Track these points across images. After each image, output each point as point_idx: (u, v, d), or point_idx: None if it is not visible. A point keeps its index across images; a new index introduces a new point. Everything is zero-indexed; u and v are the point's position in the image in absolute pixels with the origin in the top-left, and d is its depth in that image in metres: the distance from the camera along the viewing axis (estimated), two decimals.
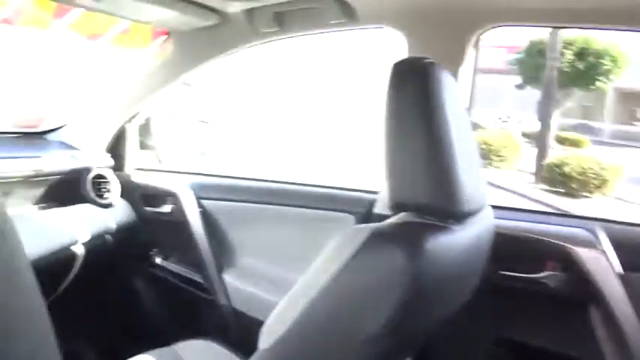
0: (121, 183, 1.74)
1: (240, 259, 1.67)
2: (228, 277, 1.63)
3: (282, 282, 1.52)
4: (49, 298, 1.66)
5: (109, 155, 1.78)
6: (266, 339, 0.93)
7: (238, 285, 1.61)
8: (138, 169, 1.85)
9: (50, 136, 1.78)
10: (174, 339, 1.44)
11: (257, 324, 1.51)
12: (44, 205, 1.57)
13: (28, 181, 1.51)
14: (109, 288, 1.83)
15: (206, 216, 1.68)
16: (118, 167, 1.79)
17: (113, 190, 1.72)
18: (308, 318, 0.88)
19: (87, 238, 1.54)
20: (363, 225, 0.86)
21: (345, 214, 1.53)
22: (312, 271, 0.92)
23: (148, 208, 1.76)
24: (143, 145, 1.88)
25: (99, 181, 1.70)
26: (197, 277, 1.70)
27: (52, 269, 1.51)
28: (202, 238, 1.66)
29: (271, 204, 1.63)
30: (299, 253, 1.53)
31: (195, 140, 2.07)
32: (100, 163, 1.73)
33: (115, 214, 1.69)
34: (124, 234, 1.72)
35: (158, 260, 1.79)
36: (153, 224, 1.77)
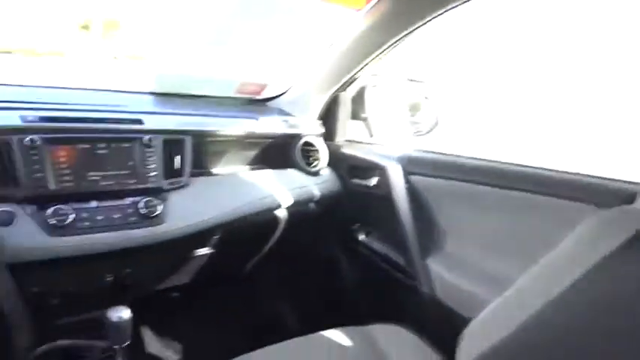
0: (329, 152, 1.69)
1: (449, 244, 1.45)
2: (433, 263, 1.43)
3: (495, 278, 1.26)
4: (255, 256, 1.70)
5: (320, 124, 1.73)
6: (468, 349, 0.70)
7: (443, 273, 1.39)
8: (348, 140, 1.77)
9: (270, 104, 1.82)
10: (367, 319, 1.32)
11: (460, 319, 1.28)
12: (255, 166, 1.59)
13: (243, 142, 1.54)
14: (309, 256, 1.81)
15: (413, 193, 1.50)
16: (328, 136, 1.74)
17: (321, 159, 1.67)
18: (536, 330, 0.63)
19: (290, 203, 1.51)
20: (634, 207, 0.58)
21: (589, 206, 1.18)
22: (542, 269, 0.67)
23: (355, 180, 1.66)
24: (355, 116, 1.79)
25: (308, 149, 1.67)
26: (399, 259, 1.53)
27: (257, 229, 1.52)
28: (407, 217, 1.48)
29: (490, 185, 1.36)
30: (520, 247, 1.25)
31: (413, 115, 1.89)
32: (312, 130, 1.69)
33: (321, 183, 1.64)
34: (328, 204, 1.65)
35: (360, 236, 1.68)
36: (358, 197, 1.67)
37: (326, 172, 1.68)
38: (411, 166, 1.53)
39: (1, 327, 1.17)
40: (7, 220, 1.03)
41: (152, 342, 1.68)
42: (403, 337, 1.28)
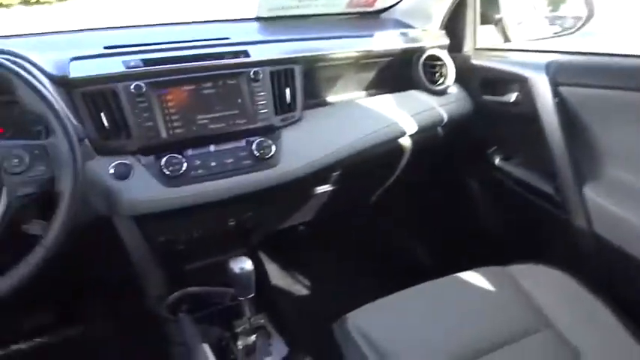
0: (457, 66, 1.46)
1: (611, 169, 1.19)
2: (591, 192, 1.19)
3: None
4: (379, 189, 1.59)
5: (444, 33, 1.49)
6: None
7: (604, 204, 1.16)
8: (478, 48, 1.51)
9: (385, 15, 1.61)
10: (509, 257, 1.16)
11: (625, 258, 1.08)
12: (372, 91, 1.43)
13: (357, 64, 1.38)
14: (438, 186, 1.65)
15: (565, 108, 1.23)
16: (454, 47, 1.50)
17: (448, 75, 1.45)
18: None
19: (415, 129, 1.34)
20: None
21: None
22: None
23: (488, 97, 1.43)
24: (486, 19, 1.52)
25: (432, 64, 1.46)
26: (547, 188, 1.31)
27: (379, 161, 1.40)
28: (557, 138, 1.24)
29: None
30: None
31: (556, 9, 1.57)
32: (435, 42, 1.47)
33: (449, 103, 1.44)
34: (458, 127, 1.46)
35: (497, 161, 1.48)
36: (493, 116, 1.44)
37: (454, 90, 1.47)
38: (561, 74, 1.25)
39: (133, 277, 1.21)
40: (125, 174, 1.01)
41: (278, 281, 1.69)
42: (555, 280, 1.11)
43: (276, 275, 1.71)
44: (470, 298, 1.09)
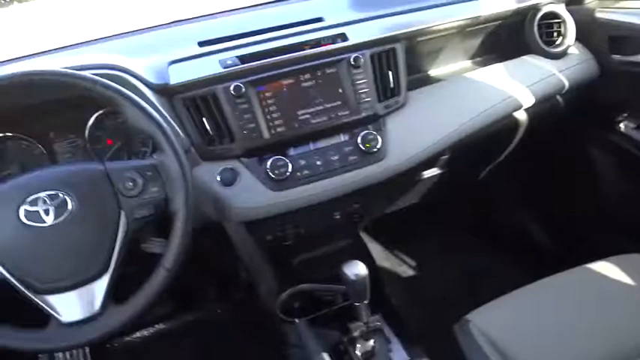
0: (578, 23, 1.27)
1: None
2: None
3: None
4: (490, 164, 1.48)
5: None
6: None
7: None
8: None
9: None
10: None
11: None
12: (480, 59, 1.29)
13: (464, 32, 1.24)
14: (557, 159, 1.50)
15: None
16: (575, 0, 1.30)
17: (568, 34, 1.27)
18: None
19: (531, 102, 1.20)
20: None
21: None
22: None
23: (618, 57, 1.25)
24: None
25: (549, 23, 1.28)
26: None
27: (491, 139, 1.28)
28: None
29: None
30: None
31: None
32: None
33: (570, 67, 1.27)
34: (581, 93, 1.29)
35: (629, 130, 1.30)
36: (624, 79, 1.26)
37: (575, 51, 1.29)
38: None
39: (246, 277, 1.21)
40: (231, 180, 0.99)
41: (387, 267, 1.64)
42: None
43: (383, 258, 1.67)
44: (605, 293, 0.98)
